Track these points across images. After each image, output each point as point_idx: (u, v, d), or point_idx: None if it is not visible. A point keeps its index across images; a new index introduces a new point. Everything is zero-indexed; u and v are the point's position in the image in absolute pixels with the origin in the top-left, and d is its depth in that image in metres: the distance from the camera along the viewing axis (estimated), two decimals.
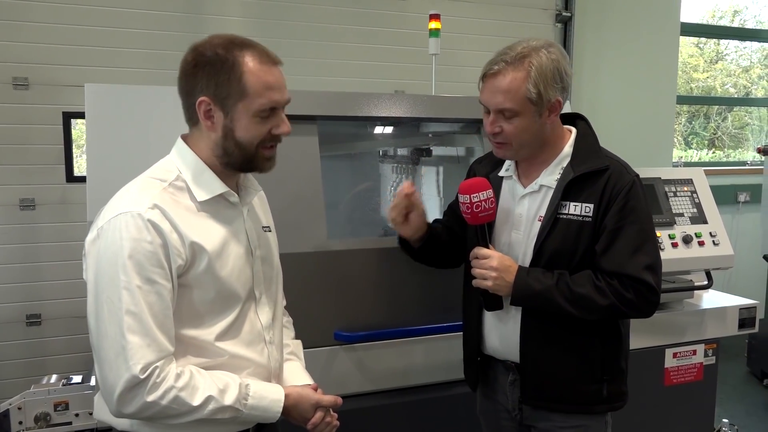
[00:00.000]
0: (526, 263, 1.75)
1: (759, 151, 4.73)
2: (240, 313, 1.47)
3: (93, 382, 2.00)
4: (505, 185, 1.87)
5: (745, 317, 2.77)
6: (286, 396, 1.47)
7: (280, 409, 1.46)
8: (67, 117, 3.40)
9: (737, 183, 5.55)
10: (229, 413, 1.38)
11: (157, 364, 1.31)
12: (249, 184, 1.57)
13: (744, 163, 5.95)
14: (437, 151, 2.91)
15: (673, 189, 2.72)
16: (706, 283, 2.65)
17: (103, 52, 3.66)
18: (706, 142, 6.37)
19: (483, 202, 1.72)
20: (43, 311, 3.63)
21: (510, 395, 1.86)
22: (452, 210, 2.03)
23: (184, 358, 1.39)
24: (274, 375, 1.55)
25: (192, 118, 1.45)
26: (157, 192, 1.39)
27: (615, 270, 1.67)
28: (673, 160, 5.31)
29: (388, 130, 2.79)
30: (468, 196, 1.72)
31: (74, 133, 3.46)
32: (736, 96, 6.35)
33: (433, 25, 2.76)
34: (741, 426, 3.58)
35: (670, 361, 2.63)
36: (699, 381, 2.69)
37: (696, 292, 2.73)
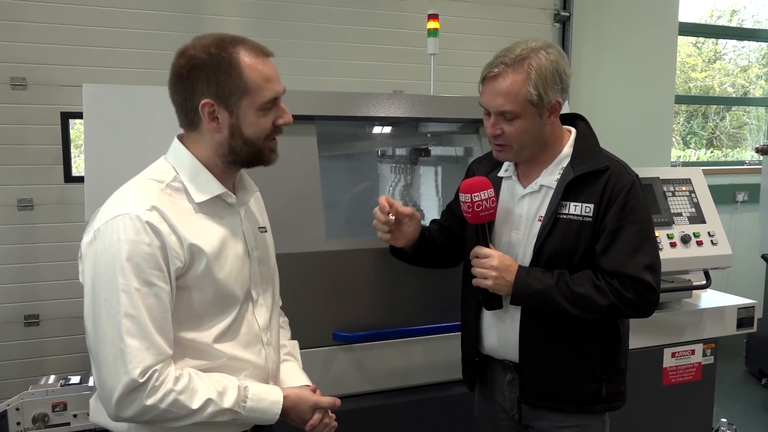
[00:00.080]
0: (526, 263, 1.76)
1: (757, 150, 4.73)
2: (238, 314, 1.46)
3: (91, 382, 2.00)
4: (505, 185, 1.87)
5: (744, 317, 2.77)
6: (285, 397, 1.47)
7: (279, 411, 1.45)
8: (65, 117, 3.40)
9: (735, 183, 5.56)
10: (228, 416, 1.38)
11: (156, 367, 1.30)
12: (246, 185, 1.56)
13: (742, 163, 5.95)
14: (436, 151, 2.91)
15: (672, 189, 2.72)
16: (704, 282, 2.64)
17: (101, 52, 3.66)
18: (705, 141, 6.37)
19: (484, 202, 1.72)
20: (41, 311, 3.63)
21: (508, 395, 1.86)
22: (451, 210, 2.03)
23: (182, 360, 1.38)
24: (272, 376, 1.55)
25: (192, 122, 1.42)
26: (155, 193, 1.38)
27: (615, 270, 1.68)
28: (672, 160, 5.32)
29: (387, 130, 2.79)
30: (469, 195, 1.72)
31: (72, 133, 3.45)
32: (734, 95, 6.36)
33: (432, 24, 2.76)
34: (739, 425, 3.58)
35: (668, 361, 2.63)
36: (697, 381, 2.69)
37: (694, 291, 2.73)
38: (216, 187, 1.44)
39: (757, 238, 4.76)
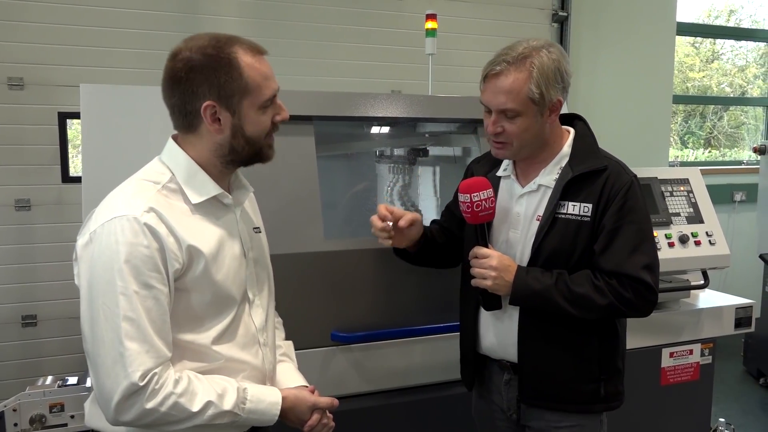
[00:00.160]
0: (524, 262, 1.76)
1: (755, 150, 4.74)
2: (235, 315, 1.46)
3: (89, 383, 1.99)
4: (503, 184, 1.87)
5: (742, 316, 2.77)
6: (283, 398, 1.47)
7: (278, 412, 1.45)
8: (63, 117, 3.38)
9: (733, 182, 5.57)
10: (227, 418, 1.37)
11: (156, 370, 1.29)
12: (241, 184, 1.55)
13: (740, 163, 5.96)
14: (434, 151, 2.91)
15: (670, 189, 2.72)
16: (702, 282, 2.65)
17: (99, 52, 3.65)
18: (702, 141, 6.38)
19: (483, 202, 1.72)
20: (38, 312, 3.62)
21: (505, 395, 1.86)
22: (450, 211, 2.03)
23: (180, 362, 1.38)
24: (269, 377, 1.55)
25: (191, 124, 1.41)
26: (152, 195, 1.37)
27: (613, 269, 1.68)
28: (670, 160, 5.32)
29: (385, 130, 2.79)
30: (468, 195, 1.72)
31: (70, 133, 3.44)
32: (731, 95, 6.36)
33: (430, 24, 2.75)
34: (737, 425, 3.59)
35: (666, 361, 2.63)
36: (695, 380, 2.69)
37: (692, 291, 2.73)
38: (212, 188, 1.44)
39: (755, 237, 4.77)
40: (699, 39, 6.26)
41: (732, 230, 5.23)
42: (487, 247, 1.76)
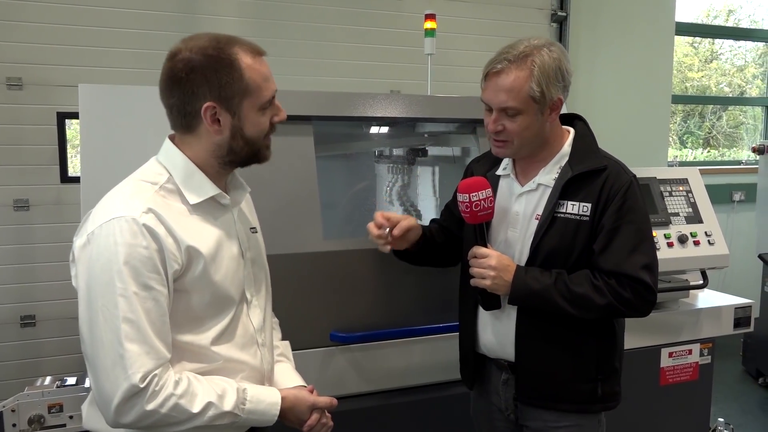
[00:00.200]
0: (522, 261, 1.76)
1: (754, 150, 4.74)
2: (234, 316, 1.46)
3: (87, 384, 1.99)
4: (503, 183, 1.87)
5: (741, 316, 2.77)
6: (283, 399, 1.47)
7: (278, 412, 1.45)
8: (62, 117, 3.38)
9: (732, 182, 5.57)
10: (227, 419, 1.37)
11: (156, 371, 1.29)
12: (238, 185, 1.55)
13: (739, 163, 5.97)
14: (433, 151, 2.90)
15: (669, 189, 2.72)
16: (701, 282, 2.65)
17: (97, 52, 3.65)
18: (701, 141, 6.38)
19: (482, 201, 1.72)
20: (37, 312, 3.62)
21: (503, 395, 1.86)
22: (449, 210, 2.03)
23: (179, 363, 1.37)
24: (267, 377, 1.55)
25: (190, 125, 1.40)
26: (150, 195, 1.36)
27: (613, 269, 1.68)
28: (669, 160, 5.32)
29: (384, 130, 2.79)
30: (467, 195, 1.72)
31: (69, 133, 3.44)
32: (730, 95, 6.37)
33: (429, 24, 2.75)
34: (737, 425, 3.59)
35: (665, 361, 2.63)
36: (695, 380, 2.69)
37: (691, 291, 2.73)
38: (210, 189, 1.43)
39: (754, 237, 4.77)
40: (698, 39, 6.26)
41: (731, 230, 5.23)
42: (486, 246, 1.76)
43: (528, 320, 1.76)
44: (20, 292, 3.59)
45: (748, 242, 4.95)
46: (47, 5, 3.56)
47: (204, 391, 1.35)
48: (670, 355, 2.64)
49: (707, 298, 2.82)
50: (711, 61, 6.36)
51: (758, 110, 6.31)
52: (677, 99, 5.84)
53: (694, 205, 2.72)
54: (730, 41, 6.30)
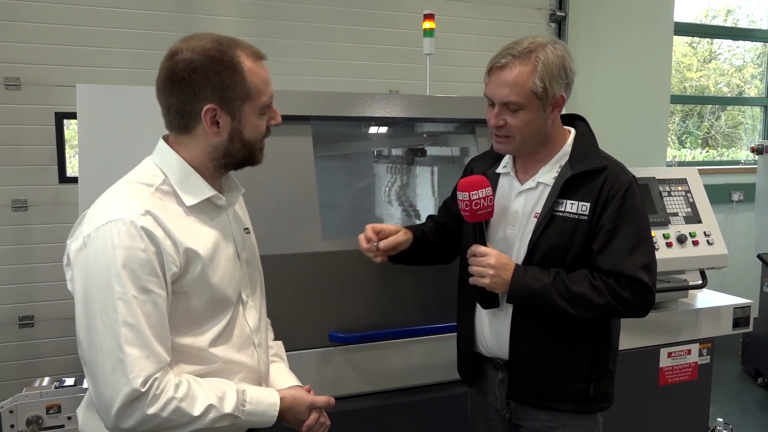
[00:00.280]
0: (520, 259, 1.76)
1: (752, 150, 4.75)
2: (231, 317, 1.45)
3: (86, 385, 1.99)
4: (503, 181, 1.87)
5: (740, 316, 2.78)
6: (281, 399, 1.46)
7: (277, 413, 1.44)
8: (60, 117, 3.38)
9: (731, 182, 5.57)
10: (228, 421, 1.36)
11: (156, 375, 1.28)
12: (232, 186, 1.54)
13: (737, 163, 5.97)
14: (431, 151, 2.90)
15: (668, 189, 2.72)
16: (700, 282, 2.65)
17: (95, 52, 3.64)
18: (700, 141, 6.38)
19: (482, 200, 1.72)
20: (35, 313, 3.61)
21: (499, 395, 1.87)
22: (447, 207, 2.03)
23: (178, 366, 1.36)
24: (264, 378, 1.54)
25: (188, 126, 1.39)
26: (146, 197, 1.35)
27: (611, 269, 1.68)
28: (667, 160, 5.32)
29: (383, 130, 2.78)
30: (467, 193, 1.73)
31: (67, 133, 3.44)
32: (729, 95, 6.37)
33: (428, 24, 2.75)
34: (736, 425, 3.59)
35: (664, 361, 2.63)
36: (694, 380, 2.69)
37: (690, 291, 2.74)
38: (206, 190, 1.42)
39: (753, 237, 4.77)
40: (696, 39, 6.26)
41: (730, 230, 5.23)
42: (485, 245, 1.76)
43: (523, 319, 1.77)
44: (19, 293, 3.58)
45: (747, 242, 4.95)
46: (45, 5, 3.56)
47: (204, 394, 1.34)
48: (669, 355, 2.64)
49: (706, 298, 2.82)
50: (710, 61, 6.36)
51: (757, 110, 6.32)
52: (676, 99, 5.85)
53: (692, 205, 2.72)
54: (729, 41, 6.31)
